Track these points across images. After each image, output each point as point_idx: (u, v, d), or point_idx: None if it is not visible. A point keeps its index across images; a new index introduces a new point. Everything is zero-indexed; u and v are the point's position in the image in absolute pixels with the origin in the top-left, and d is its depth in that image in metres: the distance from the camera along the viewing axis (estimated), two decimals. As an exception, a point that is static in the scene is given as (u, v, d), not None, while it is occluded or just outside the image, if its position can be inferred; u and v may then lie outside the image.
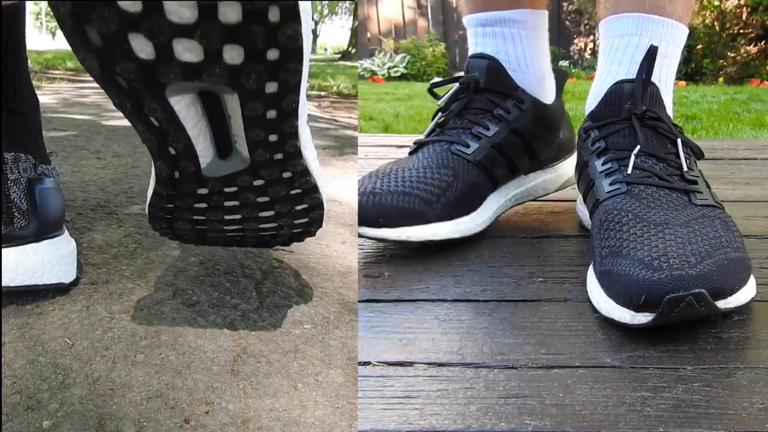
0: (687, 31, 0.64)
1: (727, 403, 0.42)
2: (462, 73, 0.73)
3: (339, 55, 13.82)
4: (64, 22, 0.37)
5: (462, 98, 0.70)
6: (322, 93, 4.25)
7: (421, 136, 0.71)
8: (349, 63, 9.92)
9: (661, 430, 0.40)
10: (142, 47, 0.37)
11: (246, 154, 0.47)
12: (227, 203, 0.52)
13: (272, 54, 0.39)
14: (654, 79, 0.61)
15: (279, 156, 0.47)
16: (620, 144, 0.60)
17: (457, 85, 0.71)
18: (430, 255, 0.64)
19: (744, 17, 4.76)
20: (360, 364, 0.47)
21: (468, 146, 0.68)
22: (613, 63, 0.63)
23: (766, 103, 3.12)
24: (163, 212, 0.53)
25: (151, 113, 0.42)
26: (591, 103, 0.65)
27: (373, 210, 0.62)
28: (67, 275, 0.61)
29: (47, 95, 2.39)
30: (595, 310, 0.52)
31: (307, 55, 0.42)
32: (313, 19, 0.46)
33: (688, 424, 0.40)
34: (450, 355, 0.48)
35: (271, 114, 0.43)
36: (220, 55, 0.38)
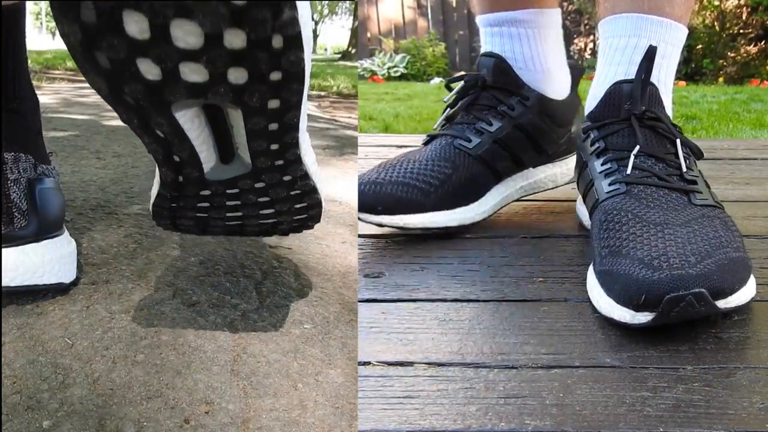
0: (686, 32, 0.64)
1: (727, 403, 0.42)
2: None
3: (339, 55, 13.82)
4: (75, 50, 0.38)
5: (470, 95, 0.73)
6: (322, 93, 4.25)
7: (422, 137, 0.74)
8: (349, 63, 9.92)
9: (661, 430, 0.40)
10: (149, 70, 0.38)
11: (248, 160, 0.49)
12: (229, 203, 0.54)
13: (275, 76, 0.40)
14: (653, 79, 0.61)
15: (280, 162, 0.49)
16: (619, 144, 0.60)
17: (462, 82, 0.74)
18: (430, 255, 0.64)
19: (744, 17, 4.76)
20: (360, 364, 0.47)
21: (470, 141, 0.71)
22: (612, 63, 0.63)
23: (766, 103, 3.12)
24: (167, 211, 0.55)
25: (157, 127, 0.43)
26: (590, 103, 0.65)
27: (373, 198, 0.66)
28: (67, 275, 0.61)
29: (47, 95, 2.39)
30: (595, 310, 0.52)
31: (307, 80, 0.43)
32: (313, 19, 0.47)
33: (688, 424, 0.40)
34: (450, 355, 0.48)
35: (273, 127, 0.45)
36: (224, 77, 0.39)
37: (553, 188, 0.77)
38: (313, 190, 0.54)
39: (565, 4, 5.25)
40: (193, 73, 0.39)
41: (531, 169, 0.74)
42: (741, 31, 4.75)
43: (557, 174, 0.76)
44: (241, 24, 0.36)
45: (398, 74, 5.33)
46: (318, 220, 0.62)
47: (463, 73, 0.80)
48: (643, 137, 0.59)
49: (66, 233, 0.63)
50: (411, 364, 0.47)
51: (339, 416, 0.49)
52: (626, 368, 0.46)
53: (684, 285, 0.46)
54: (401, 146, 1.06)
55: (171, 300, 0.63)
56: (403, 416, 0.42)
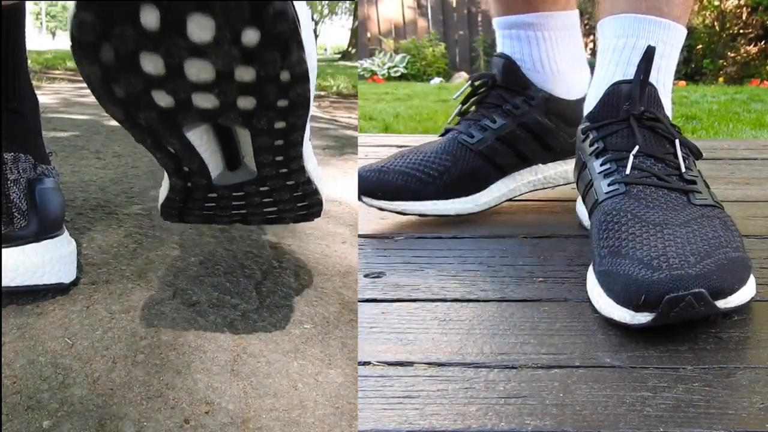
0: (685, 32, 0.64)
1: (727, 403, 0.42)
2: None
3: (339, 55, 13.82)
4: (94, 86, 0.40)
5: (480, 93, 0.77)
6: (322, 93, 4.25)
7: (422, 137, 0.78)
8: (349, 63, 9.92)
9: (661, 430, 0.40)
10: (163, 99, 0.41)
11: (253, 168, 0.51)
12: (235, 203, 0.57)
13: (282, 103, 0.42)
14: (652, 79, 0.61)
15: (284, 170, 0.52)
16: (619, 145, 0.60)
17: (469, 81, 0.78)
18: (430, 255, 0.64)
19: (744, 17, 4.76)
20: (360, 364, 0.47)
21: (472, 137, 0.74)
22: (611, 64, 0.63)
23: (766, 103, 3.13)
24: (176, 210, 0.58)
25: (169, 145, 0.46)
26: (589, 104, 0.65)
27: (375, 183, 0.71)
28: (67, 275, 0.61)
29: (47, 95, 2.39)
30: (595, 310, 0.52)
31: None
32: (313, 19, 0.48)
33: (688, 424, 0.40)
34: (450, 355, 0.48)
35: (279, 143, 0.47)
36: (234, 104, 0.42)
37: (564, 184, 0.79)
38: (315, 192, 0.58)
39: (565, 4, 5.25)
40: (204, 101, 0.41)
41: (540, 165, 0.77)
42: (741, 31, 4.75)
43: (568, 171, 0.77)
44: (252, 62, 0.39)
45: (398, 74, 5.33)
46: (319, 215, 0.65)
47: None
48: (642, 137, 0.59)
49: (66, 233, 0.63)
50: (411, 364, 0.47)
51: (339, 416, 0.49)
52: (626, 368, 0.46)
53: (684, 285, 0.46)
54: (401, 146, 1.06)
55: (171, 300, 0.63)
56: (403, 416, 0.42)
